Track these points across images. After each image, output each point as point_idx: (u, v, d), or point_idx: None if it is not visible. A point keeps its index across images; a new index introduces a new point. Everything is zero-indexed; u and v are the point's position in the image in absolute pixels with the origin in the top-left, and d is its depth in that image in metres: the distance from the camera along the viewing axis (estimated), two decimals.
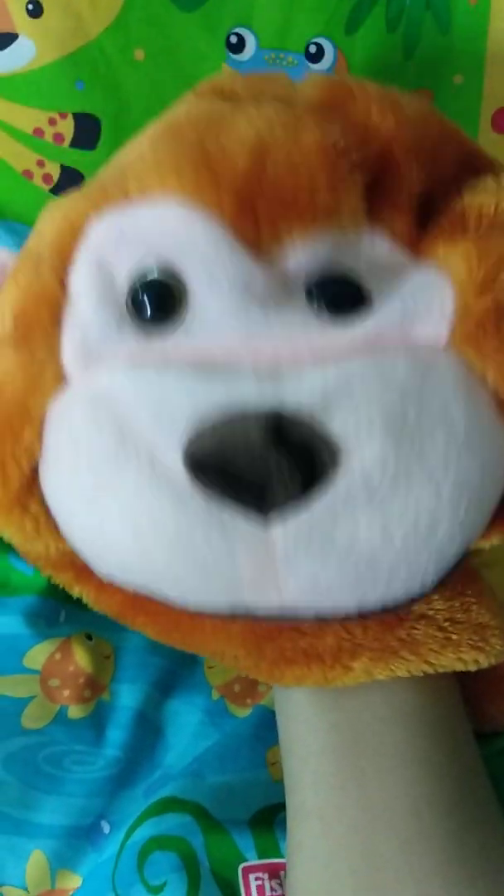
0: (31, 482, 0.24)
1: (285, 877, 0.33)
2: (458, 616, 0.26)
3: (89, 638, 0.39)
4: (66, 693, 0.38)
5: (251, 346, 0.23)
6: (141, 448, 0.21)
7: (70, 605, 0.41)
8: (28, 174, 0.35)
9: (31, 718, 0.37)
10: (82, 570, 0.28)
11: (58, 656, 0.38)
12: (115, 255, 0.24)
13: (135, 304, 0.24)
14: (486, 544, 0.26)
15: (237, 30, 0.34)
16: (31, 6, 0.32)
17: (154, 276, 0.24)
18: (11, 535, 0.26)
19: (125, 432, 0.22)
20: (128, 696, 0.39)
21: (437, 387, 0.22)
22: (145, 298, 0.24)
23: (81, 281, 0.24)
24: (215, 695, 0.40)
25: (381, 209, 0.25)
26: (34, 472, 0.24)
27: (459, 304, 0.23)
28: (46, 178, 0.35)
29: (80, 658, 0.38)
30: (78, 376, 0.24)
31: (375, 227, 0.25)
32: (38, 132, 0.34)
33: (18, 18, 0.32)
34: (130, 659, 0.39)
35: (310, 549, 0.21)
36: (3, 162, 0.35)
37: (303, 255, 0.24)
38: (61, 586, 0.30)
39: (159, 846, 0.33)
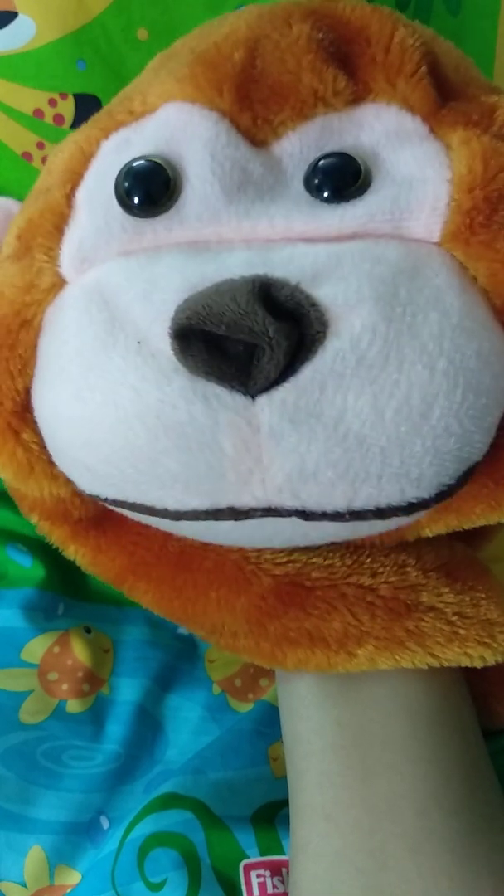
0: (25, 407, 0.24)
1: (287, 874, 0.32)
2: (467, 611, 0.26)
3: (88, 631, 0.39)
4: (65, 687, 0.37)
5: (244, 229, 0.23)
6: (129, 330, 0.21)
7: (69, 598, 0.40)
8: (27, 156, 0.34)
9: (30, 713, 0.37)
10: (78, 526, 0.28)
11: (56, 650, 0.38)
12: (116, 161, 0.25)
13: (125, 195, 0.24)
14: (473, 521, 0.25)
15: (243, 6, 0.33)
16: None
17: (144, 165, 0.24)
18: (3, 466, 0.25)
19: (115, 317, 0.22)
20: (127, 691, 0.38)
21: (430, 271, 0.21)
22: (133, 186, 0.24)
23: (85, 191, 0.25)
24: (216, 689, 0.39)
25: (386, 80, 0.24)
26: (27, 394, 0.24)
27: (453, 199, 0.22)
28: (46, 160, 0.34)
29: (79, 652, 0.38)
30: (74, 278, 0.24)
31: (383, 99, 0.24)
32: (38, 113, 0.34)
33: None
34: (130, 653, 0.39)
35: (296, 422, 0.20)
36: (2, 144, 0.34)
37: (298, 139, 0.24)
38: (55, 544, 0.30)
39: (160, 843, 0.33)
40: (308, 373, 0.20)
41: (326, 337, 0.20)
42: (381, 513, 0.21)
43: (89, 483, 0.23)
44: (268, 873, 0.32)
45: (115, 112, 0.26)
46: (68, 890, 0.35)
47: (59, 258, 0.24)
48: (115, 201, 0.24)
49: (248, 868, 0.32)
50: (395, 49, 0.24)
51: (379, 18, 0.25)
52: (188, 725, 0.38)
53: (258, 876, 0.32)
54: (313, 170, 0.24)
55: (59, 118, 0.33)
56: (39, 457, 0.24)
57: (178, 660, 0.40)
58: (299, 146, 0.24)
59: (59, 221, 0.25)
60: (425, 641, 0.25)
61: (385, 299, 0.20)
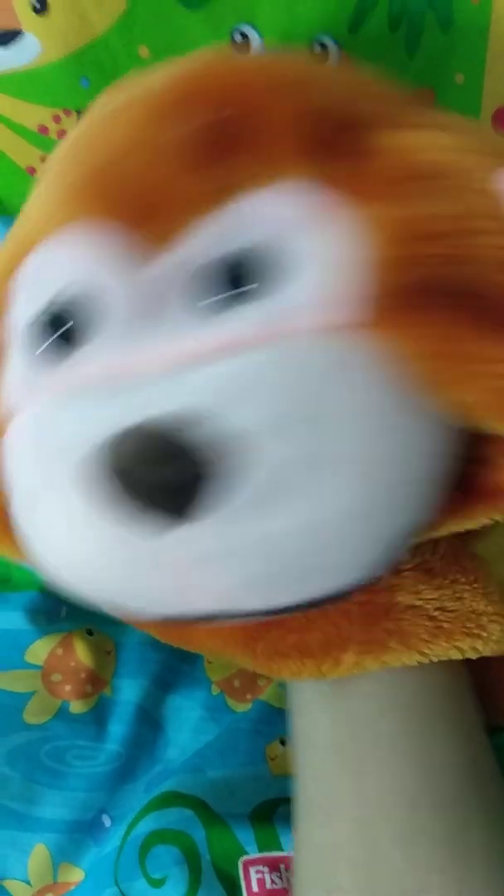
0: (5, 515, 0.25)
1: (286, 870, 0.33)
2: (450, 604, 0.26)
3: (90, 633, 0.40)
4: (68, 688, 0.38)
5: (132, 361, 0.22)
6: (57, 474, 0.21)
7: (71, 601, 0.41)
8: (31, 170, 0.35)
9: (34, 713, 0.37)
10: None
11: (59, 651, 0.38)
12: (16, 305, 0.25)
13: (31, 344, 0.24)
14: (473, 525, 0.25)
15: (241, 27, 0.34)
16: (36, 3, 0.32)
17: (44, 316, 0.24)
18: (11, 555, 0.27)
19: (50, 460, 0.22)
20: (129, 692, 0.39)
21: (351, 368, 0.20)
22: (35, 337, 0.24)
23: (5, 335, 0.25)
24: (215, 690, 0.40)
25: (287, 159, 0.22)
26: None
27: (376, 281, 0.21)
28: None
29: (82, 653, 0.38)
30: (10, 422, 0.24)
31: (288, 179, 0.22)
32: (43, 129, 0.34)
33: (24, 15, 0.32)
34: (131, 654, 0.40)
35: (229, 550, 0.20)
36: (7, 157, 0.35)
37: (193, 245, 0.22)
38: None
39: (161, 840, 0.34)
40: (232, 506, 0.19)
41: (243, 468, 0.19)
42: (315, 603, 0.22)
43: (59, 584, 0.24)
44: (266, 869, 0.33)
45: (11, 243, 0.26)
46: (72, 887, 0.36)
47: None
48: (26, 349, 0.24)
49: (247, 864, 0.33)
50: (288, 123, 0.22)
51: (267, 89, 0.23)
52: (188, 725, 0.39)
53: (257, 872, 0.33)
54: (208, 278, 0.22)
55: (63, 134, 0.34)
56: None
57: (178, 661, 0.40)
58: (194, 253, 0.22)
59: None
60: (409, 640, 0.25)
61: (301, 418, 0.19)
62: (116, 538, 0.20)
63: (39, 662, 0.38)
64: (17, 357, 0.25)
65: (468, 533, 0.26)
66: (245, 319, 0.21)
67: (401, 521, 0.21)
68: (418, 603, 0.26)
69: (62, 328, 0.23)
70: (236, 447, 0.19)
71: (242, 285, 0.21)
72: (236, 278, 0.22)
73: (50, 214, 0.24)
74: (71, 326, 0.23)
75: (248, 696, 0.40)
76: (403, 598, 0.26)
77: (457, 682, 0.27)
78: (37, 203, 0.26)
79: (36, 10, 0.32)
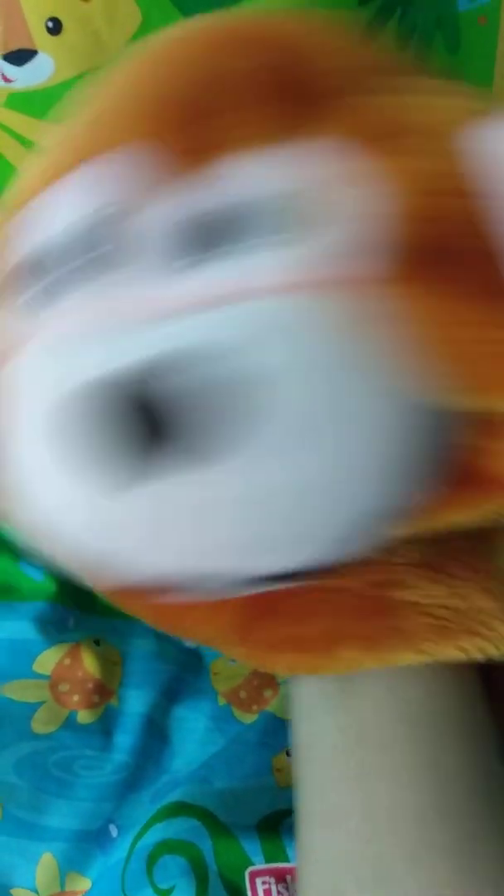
0: None
1: (292, 881, 0.33)
2: (455, 603, 0.25)
3: (98, 644, 0.40)
4: (76, 698, 0.38)
5: (168, 296, 0.21)
6: (39, 426, 0.21)
7: (79, 611, 0.41)
8: None
9: (41, 723, 0.37)
10: None
11: (67, 661, 0.38)
12: (42, 226, 0.23)
13: (34, 278, 0.23)
14: (443, 523, 0.24)
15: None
16: (50, 23, 0.33)
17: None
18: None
19: (28, 412, 0.21)
20: (136, 702, 0.39)
21: (363, 329, 0.20)
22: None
23: (11, 259, 0.24)
24: (221, 701, 0.40)
25: (328, 111, 0.22)
26: None
27: (400, 237, 0.20)
28: None
29: (89, 664, 0.39)
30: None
31: (326, 132, 0.22)
32: None
33: (38, 35, 0.33)
34: (138, 665, 0.40)
35: (187, 510, 0.20)
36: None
37: (237, 179, 0.21)
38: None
39: (168, 850, 0.34)
40: (232, 459, 0.19)
41: (257, 413, 0.19)
42: (276, 577, 0.22)
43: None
44: (273, 880, 0.33)
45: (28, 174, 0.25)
46: None
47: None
48: (28, 278, 0.23)
49: (253, 875, 0.33)
50: (334, 75, 0.23)
51: (320, 43, 0.24)
52: (194, 736, 0.39)
53: (263, 882, 0.33)
54: (245, 220, 0.21)
55: None
56: None
57: (184, 672, 0.40)
58: (240, 186, 0.22)
59: None
60: (410, 637, 0.25)
61: (315, 366, 0.19)
62: (96, 487, 0.20)
63: (47, 672, 0.38)
64: (18, 291, 0.23)
65: (482, 535, 0.26)
66: (267, 266, 0.20)
67: (395, 491, 0.21)
68: (420, 600, 0.25)
69: (89, 253, 0.22)
70: (254, 390, 0.18)
71: (266, 231, 0.21)
72: (265, 221, 0.21)
73: (103, 135, 0.23)
74: (103, 251, 0.22)
75: (255, 708, 0.40)
76: (404, 595, 0.25)
77: (468, 690, 0.26)
78: (78, 126, 0.25)
79: (50, 31, 0.33)
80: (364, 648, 0.25)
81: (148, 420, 0.18)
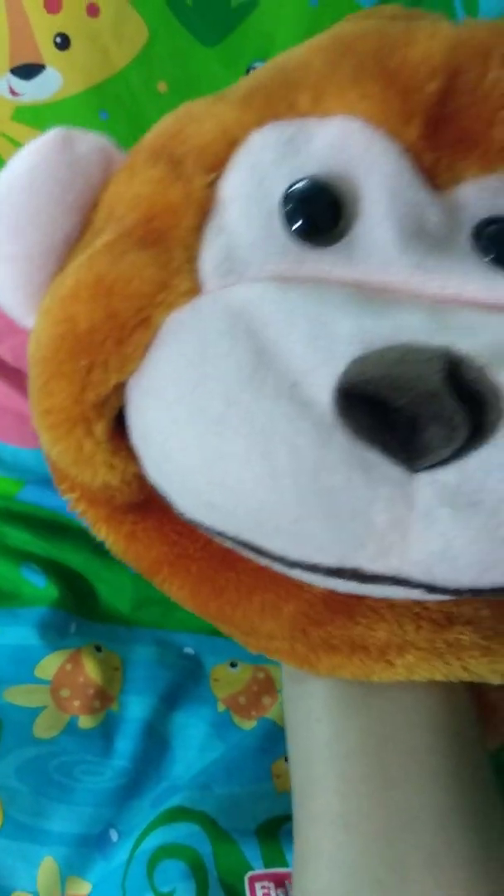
0: (107, 400, 0.22)
1: (291, 886, 0.33)
2: (497, 626, 0.25)
3: (99, 650, 0.40)
4: (77, 704, 0.39)
5: (413, 282, 0.21)
6: (281, 371, 0.19)
7: (81, 618, 0.42)
8: None
9: (43, 728, 0.38)
10: (117, 510, 0.26)
11: (68, 667, 0.39)
12: (279, 165, 0.22)
13: (291, 215, 0.22)
14: None
15: (257, 63, 0.35)
16: (59, 39, 0.33)
17: (317, 188, 0.22)
18: (61, 454, 0.24)
19: (265, 352, 0.19)
20: (136, 708, 0.39)
21: None
22: (302, 208, 0.22)
23: (235, 188, 0.23)
24: (221, 707, 0.40)
25: None
26: (116, 389, 0.22)
27: None
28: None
29: (90, 669, 0.39)
30: (215, 288, 0.21)
31: None
32: None
33: (46, 51, 0.33)
34: (138, 671, 0.40)
35: (454, 507, 0.18)
36: None
37: (476, 192, 0.22)
38: (87, 523, 0.28)
39: (168, 854, 0.34)
40: (476, 461, 0.18)
41: (500, 427, 0.18)
42: (498, 591, 0.21)
43: (200, 513, 0.22)
44: (272, 885, 0.33)
45: (274, 98, 0.23)
46: None
47: (198, 260, 0.22)
48: (277, 218, 0.22)
49: (252, 879, 0.33)
50: None
51: None
52: (194, 742, 0.39)
53: (262, 887, 0.33)
54: (482, 229, 0.21)
55: None
56: (106, 450, 0.23)
57: (184, 678, 0.41)
58: (476, 200, 0.22)
59: (199, 216, 0.22)
60: (462, 654, 0.24)
61: None
62: (358, 465, 0.18)
63: (49, 678, 0.38)
64: (249, 221, 0.22)
65: None
66: None
67: None
68: (476, 619, 0.25)
69: (316, 206, 0.21)
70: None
71: None
72: None
73: (336, 95, 0.22)
74: (332, 212, 0.21)
75: (254, 714, 0.40)
76: (466, 612, 0.25)
77: (467, 705, 0.27)
78: (311, 70, 0.24)
79: (58, 46, 0.33)
80: (421, 659, 0.25)
81: (468, 404, 0.18)
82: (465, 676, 0.24)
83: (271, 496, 0.19)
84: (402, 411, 0.18)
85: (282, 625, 0.25)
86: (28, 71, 0.34)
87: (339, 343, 0.19)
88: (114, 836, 0.37)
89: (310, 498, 0.19)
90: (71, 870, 0.36)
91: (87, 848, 0.37)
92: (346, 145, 0.22)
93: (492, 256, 0.21)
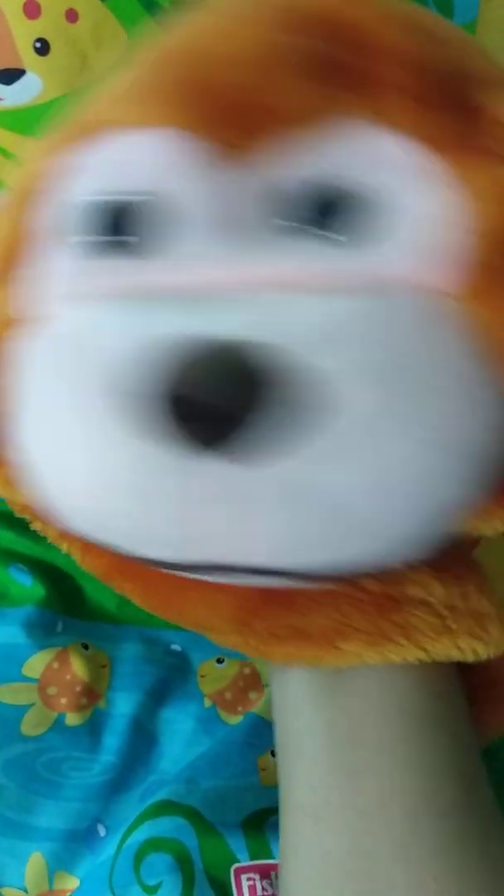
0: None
1: (277, 877, 0.34)
2: (457, 603, 0.25)
3: (86, 647, 0.40)
4: (64, 701, 0.39)
5: (234, 273, 0.21)
6: (96, 385, 0.20)
7: (67, 616, 0.42)
8: None
9: (30, 725, 0.38)
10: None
11: (55, 665, 0.39)
12: (76, 186, 0.23)
13: (90, 231, 0.22)
14: (488, 530, 0.24)
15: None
16: (38, 44, 0.34)
17: (109, 203, 0.22)
18: None
19: (84, 371, 0.20)
20: (123, 704, 0.40)
21: (440, 336, 0.20)
22: (98, 223, 0.22)
23: (38, 218, 0.23)
24: (207, 702, 0.41)
25: (399, 105, 0.21)
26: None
27: (477, 250, 0.20)
28: None
29: (77, 667, 0.39)
30: (34, 315, 0.22)
31: (396, 126, 0.21)
32: None
33: (26, 55, 0.34)
34: (125, 668, 0.41)
35: (287, 498, 0.19)
36: None
37: (283, 167, 0.21)
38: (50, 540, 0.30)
39: (155, 848, 0.34)
40: (307, 451, 0.19)
41: (328, 413, 0.18)
42: (365, 570, 0.22)
43: (72, 525, 0.23)
44: (257, 876, 0.34)
45: (69, 126, 0.24)
46: (67, 894, 0.36)
47: (9, 293, 0.23)
48: (78, 235, 0.22)
49: (238, 871, 0.34)
50: (403, 65, 0.21)
51: (390, 25, 0.22)
52: (181, 737, 0.40)
53: (248, 879, 0.34)
54: (304, 204, 0.21)
55: None
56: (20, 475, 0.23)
57: (171, 674, 0.41)
58: (285, 170, 0.21)
59: (12, 248, 0.23)
60: (414, 635, 0.24)
61: (391, 373, 0.19)
62: (174, 465, 0.19)
63: (36, 676, 0.39)
64: (46, 248, 0.23)
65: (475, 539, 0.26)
66: (338, 261, 0.20)
67: (454, 497, 0.21)
68: (428, 599, 0.25)
69: (129, 225, 0.22)
70: (319, 391, 0.18)
71: (332, 219, 0.21)
72: (325, 209, 0.21)
73: (135, 107, 0.22)
74: (139, 226, 0.22)
75: (240, 709, 0.40)
76: (414, 592, 0.25)
77: (451, 687, 0.27)
78: (116, 92, 0.24)
79: (38, 51, 0.34)
80: (367, 643, 0.25)
81: (241, 389, 0.18)
82: (427, 657, 0.24)
83: (106, 510, 0.21)
84: (200, 405, 0.18)
85: (226, 620, 0.26)
86: (8, 76, 0.34)
87: (127, 352, 0.19)
88: (101, 830, 0.37)
89: (140, 509, 0.20)
90: (59, 865, 0.37)
91: (75, 843, 0.37)
92: (133, 156, 0.22)
93: (294, 224, 0.21)
